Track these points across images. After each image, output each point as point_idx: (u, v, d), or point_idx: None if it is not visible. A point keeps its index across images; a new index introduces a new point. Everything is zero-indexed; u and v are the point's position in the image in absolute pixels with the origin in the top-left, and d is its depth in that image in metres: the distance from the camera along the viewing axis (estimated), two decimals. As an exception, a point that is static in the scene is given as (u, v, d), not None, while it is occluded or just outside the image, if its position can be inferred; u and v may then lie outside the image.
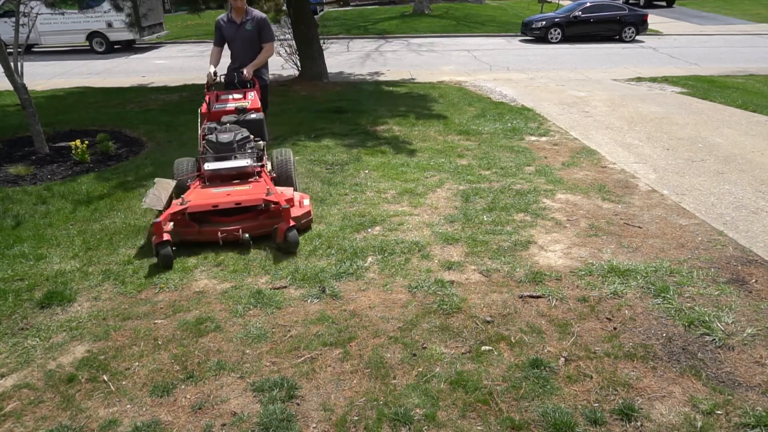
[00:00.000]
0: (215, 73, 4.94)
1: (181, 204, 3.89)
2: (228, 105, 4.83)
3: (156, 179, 4.19)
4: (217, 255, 3.94)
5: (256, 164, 4.42)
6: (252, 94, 5.00)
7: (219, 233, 3.90)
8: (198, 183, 4.32)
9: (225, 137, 4.45)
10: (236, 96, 4.95)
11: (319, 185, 5.26)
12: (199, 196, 4.05)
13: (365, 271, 3.68)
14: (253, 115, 4.81)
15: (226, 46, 5.42)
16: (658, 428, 2.33)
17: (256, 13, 5.27)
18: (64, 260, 3.94)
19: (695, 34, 19.77)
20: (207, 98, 4.81)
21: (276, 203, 3.94)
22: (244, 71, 5.05)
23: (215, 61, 5.22)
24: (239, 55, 5.33)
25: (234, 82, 5.10)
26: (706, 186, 5.14)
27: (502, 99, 9.30)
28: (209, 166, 4.31)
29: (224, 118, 4.74)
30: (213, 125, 4.65)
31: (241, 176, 4.36)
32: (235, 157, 4.41)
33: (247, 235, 3.91)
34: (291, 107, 8.83)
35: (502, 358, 2.79)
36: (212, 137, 4.47)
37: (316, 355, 2.86)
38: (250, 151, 4.53)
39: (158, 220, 3.74)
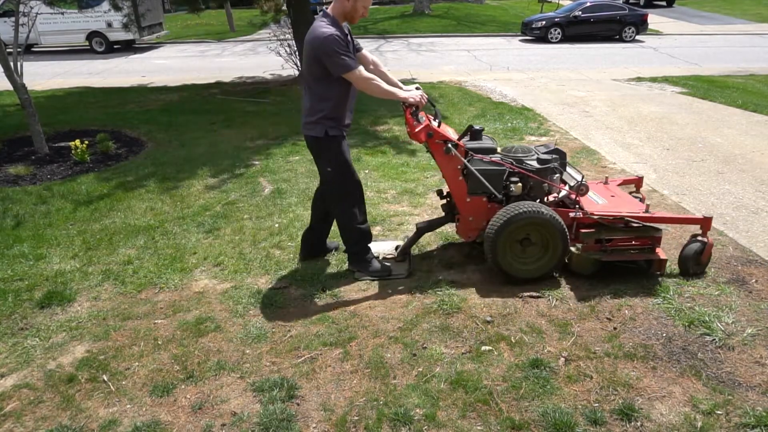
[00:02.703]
0: (418, 87, 3.48)
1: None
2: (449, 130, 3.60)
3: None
4: (218, 255, 3.94)
5: None
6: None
7: None
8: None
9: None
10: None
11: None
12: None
13: (365, 271, 3.68)
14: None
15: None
16: (658, 428, 2.33)
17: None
18: (64, 260, 3.93)
19: (695, 33, 19.76)
20: (432, 127, 3.36)
21: None
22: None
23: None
24: None
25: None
26: (706, 186, 5.14)
27: (503, 99, 9.30)
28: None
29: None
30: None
31: None
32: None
33: None
34: (291, 107, 8.83)
35: (502, 358, 2.79)
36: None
37: (316, 355, 2.86)
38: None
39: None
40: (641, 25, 17.84)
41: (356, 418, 2.43)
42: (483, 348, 2.86)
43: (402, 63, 14.29)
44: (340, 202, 3.50)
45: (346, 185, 3.44)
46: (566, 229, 3.30)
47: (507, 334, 2.97)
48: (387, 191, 5.08)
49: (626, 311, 3.15)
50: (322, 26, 3.14)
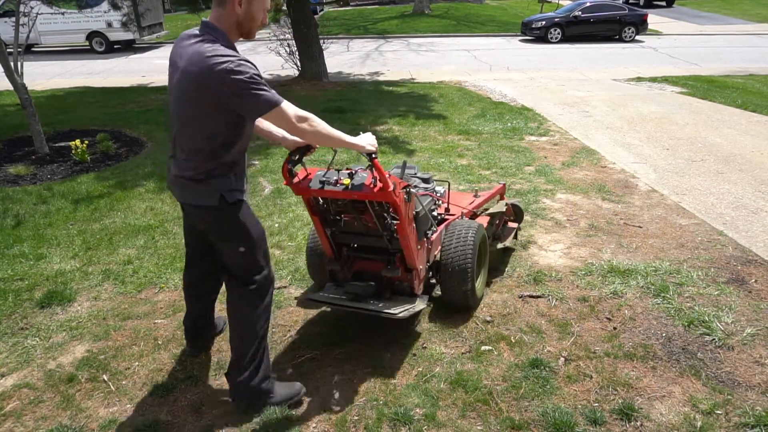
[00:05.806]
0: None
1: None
2: None
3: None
4: (217, 255, 3.94)
5: None
6: None
7: None
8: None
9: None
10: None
11: (319, 185, 5.25)
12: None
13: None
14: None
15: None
16: (658, 428, 2.33)
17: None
18: (64, 260, 3.94)
19: (695, 34, 19.77)
20: (392, 177, 2.74)
21: None
22: None
23: None
24: None
25: None
26: (706, 186, 5.14)
27: (502, 99, 9.30)
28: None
29: None
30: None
31: None
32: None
33: None
34: (291, 107, 8.82)
35: (502, 358, 2.79)
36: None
37: (316, 355, 2.86)
38: None
39: None
40: (641, 25, 17.86)
41: (356, 418, 2.43)
42: (483, 348, 2.86)
43: (402, 63, 14.29)
44: (257, 303, 2.32)
45: (265, 272, 2.33)
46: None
47: (507, 334, 2.97)
48: (387, 191, 5.08)
49: (626, 311, 3.15)
50: (216, 51, 1.99)
